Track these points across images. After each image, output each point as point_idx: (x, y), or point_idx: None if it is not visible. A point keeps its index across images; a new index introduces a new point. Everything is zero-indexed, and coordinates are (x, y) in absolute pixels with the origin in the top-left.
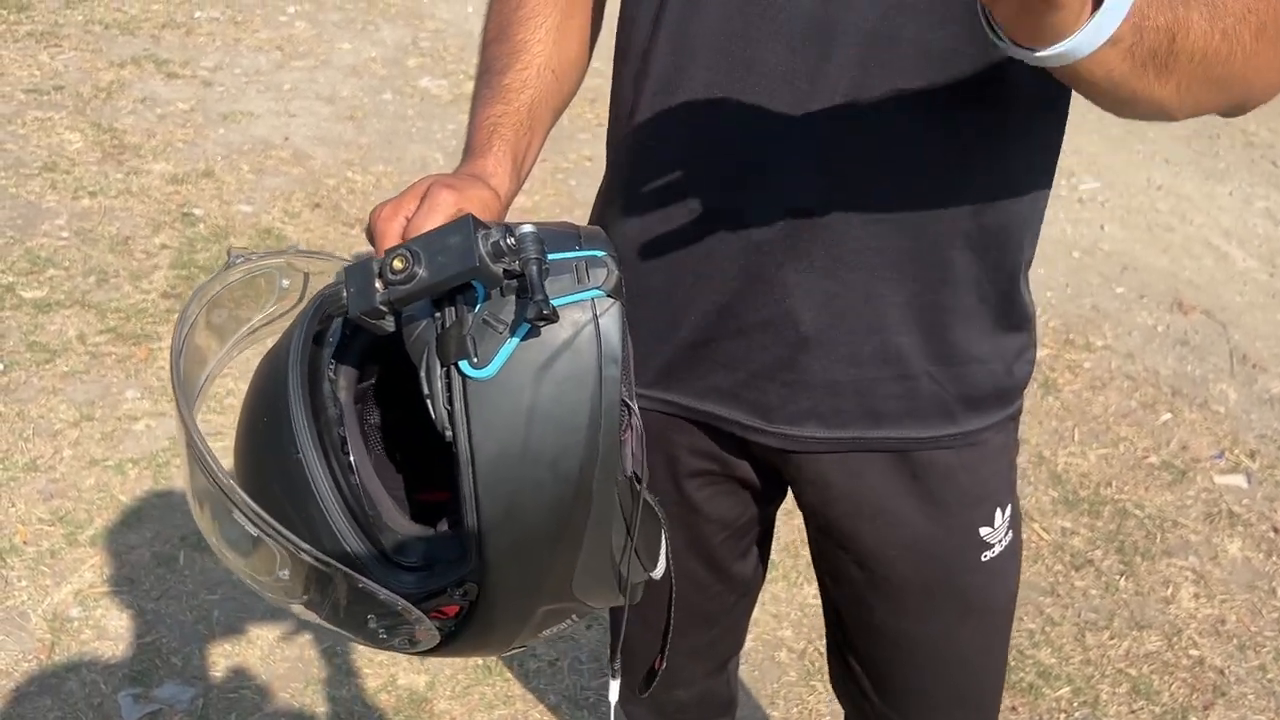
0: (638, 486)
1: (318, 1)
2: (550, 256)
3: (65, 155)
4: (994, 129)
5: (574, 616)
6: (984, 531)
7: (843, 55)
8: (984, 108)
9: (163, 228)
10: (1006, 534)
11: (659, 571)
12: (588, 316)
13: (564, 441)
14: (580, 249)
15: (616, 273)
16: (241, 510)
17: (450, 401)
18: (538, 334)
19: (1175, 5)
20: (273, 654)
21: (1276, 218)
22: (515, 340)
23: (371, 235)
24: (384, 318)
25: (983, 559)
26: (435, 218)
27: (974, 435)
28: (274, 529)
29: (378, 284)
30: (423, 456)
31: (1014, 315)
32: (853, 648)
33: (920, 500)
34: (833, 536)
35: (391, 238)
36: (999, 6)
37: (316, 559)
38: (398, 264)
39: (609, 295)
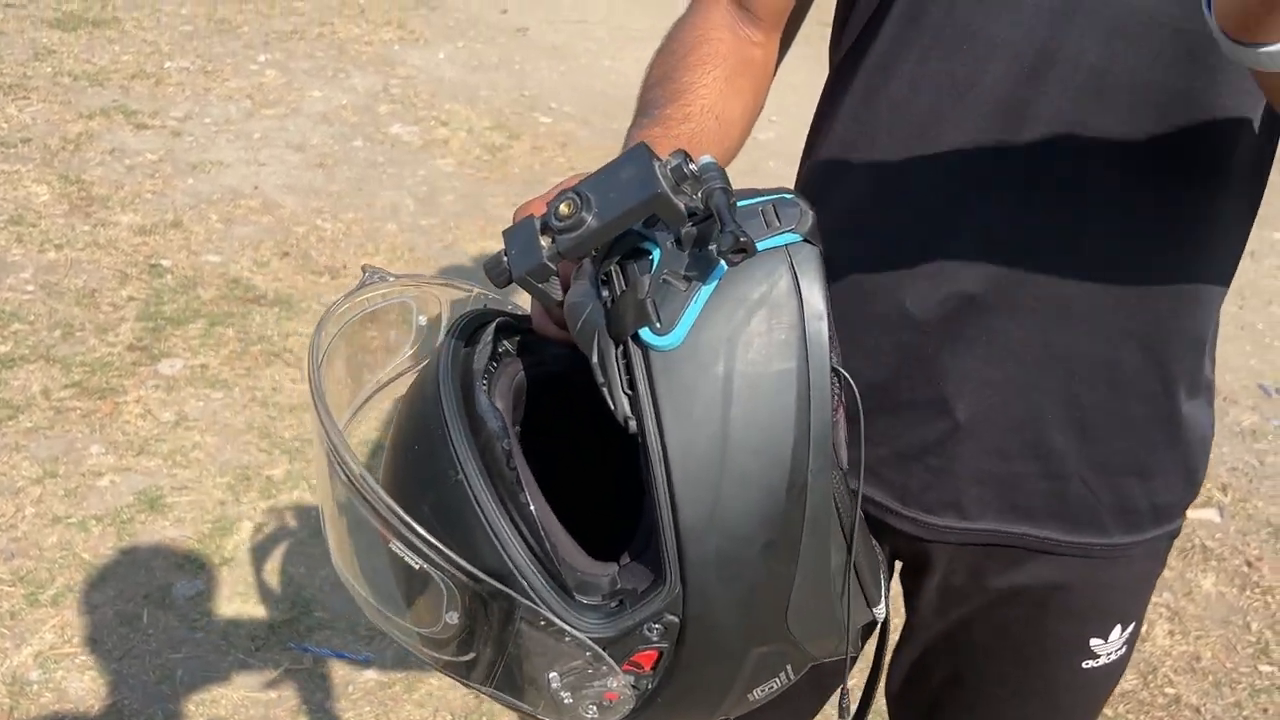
0: (853, 483)
1: (288, 50)
2: (740, 205)
3: (32, 208)
4: (1200, 205)
5: (788, 672)
6: (1094, 643)
7: (1031, 131)
8: (1194, 178)
9: (130, 280)
10: (1120, 649)
11: (881, 610)
12: (783, 265)
13: (770, 419)
14: (760, 195)
15: (811, 214)
16: (405, 533)
17: (632, 384)
18: (725, 288)
19: None
20: (237, 714)
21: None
22: (704, 294)
23: None
24: (551, 277)
25: (1083, 666)
26: None
27: (1121, 549)
28: (443, 555)
29: (542, 239)
30: (582, 498)
31: (1186, 433)
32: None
33: (1041, 602)
34: (939, 622)
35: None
36: None
37: (494, 590)
38: (564, 208)
39: (805, 240)
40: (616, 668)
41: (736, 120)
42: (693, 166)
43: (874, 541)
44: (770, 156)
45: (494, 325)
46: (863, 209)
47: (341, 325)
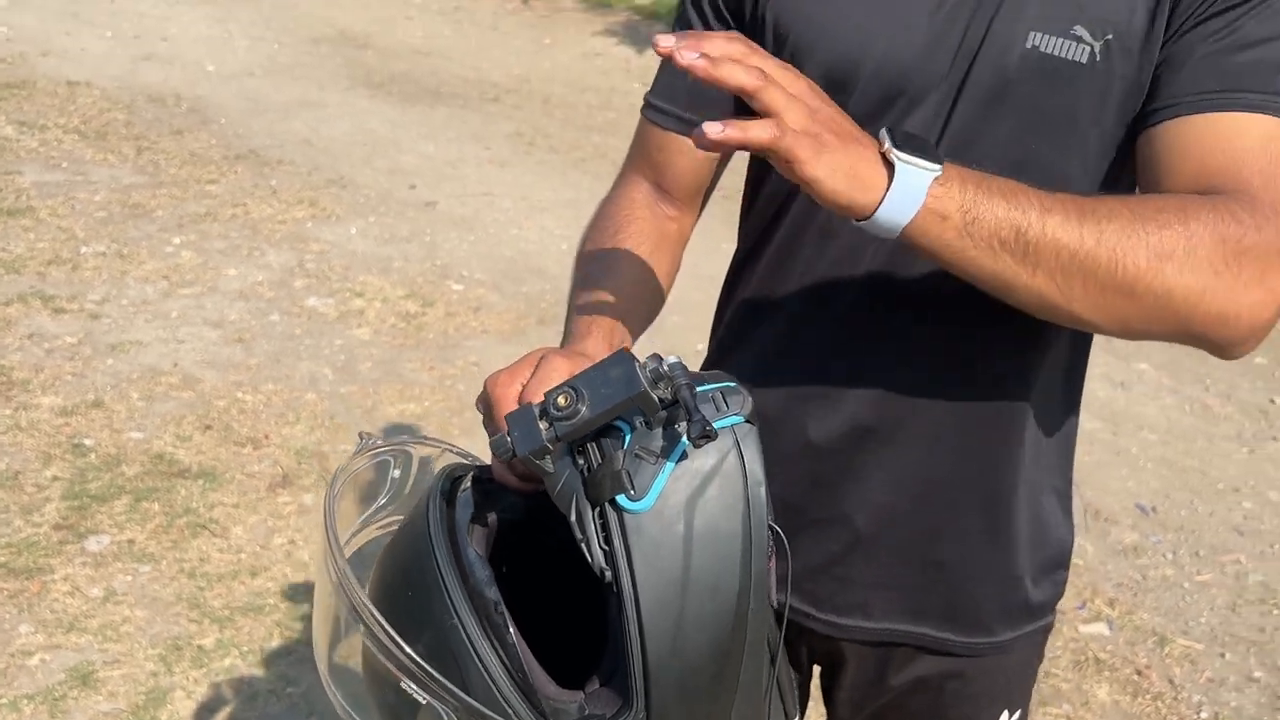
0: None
1: (202, 231)
2: (700, 390)
3: None
4: (1039, 349)
5: None
6: None
7: (905, 293)
8: (1032, 326)
9: (53, 460)
10: None
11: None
12: (730, 443)
13: (721, 567)
14: (711, 382)
15: (750, 399)
16: (414, 670)
17: (608, 540)
18: (686, 463)
19: (1024, 207)
20: None
21: (1114, 380)
22: (669, 468)
23: (487, 403)
24: (547, 456)
25: None
26: (552, 382)
27: (1005, 644)
28: (450, 692)
29: (541, 424)
30: (541, 630)
31: (1053, 539)
32: None
33: (938, 691)
34: (857, 716)
35: (509, 402)
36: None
37: (488, 718)
38: (562, 400)
39: (747, 421)
40: None
41: (660, 287)
42: (664, 367)
43: (789, 665)
44: (672, 312)
45: (469, 479)
46: (772, 358)
47: (342, 484)
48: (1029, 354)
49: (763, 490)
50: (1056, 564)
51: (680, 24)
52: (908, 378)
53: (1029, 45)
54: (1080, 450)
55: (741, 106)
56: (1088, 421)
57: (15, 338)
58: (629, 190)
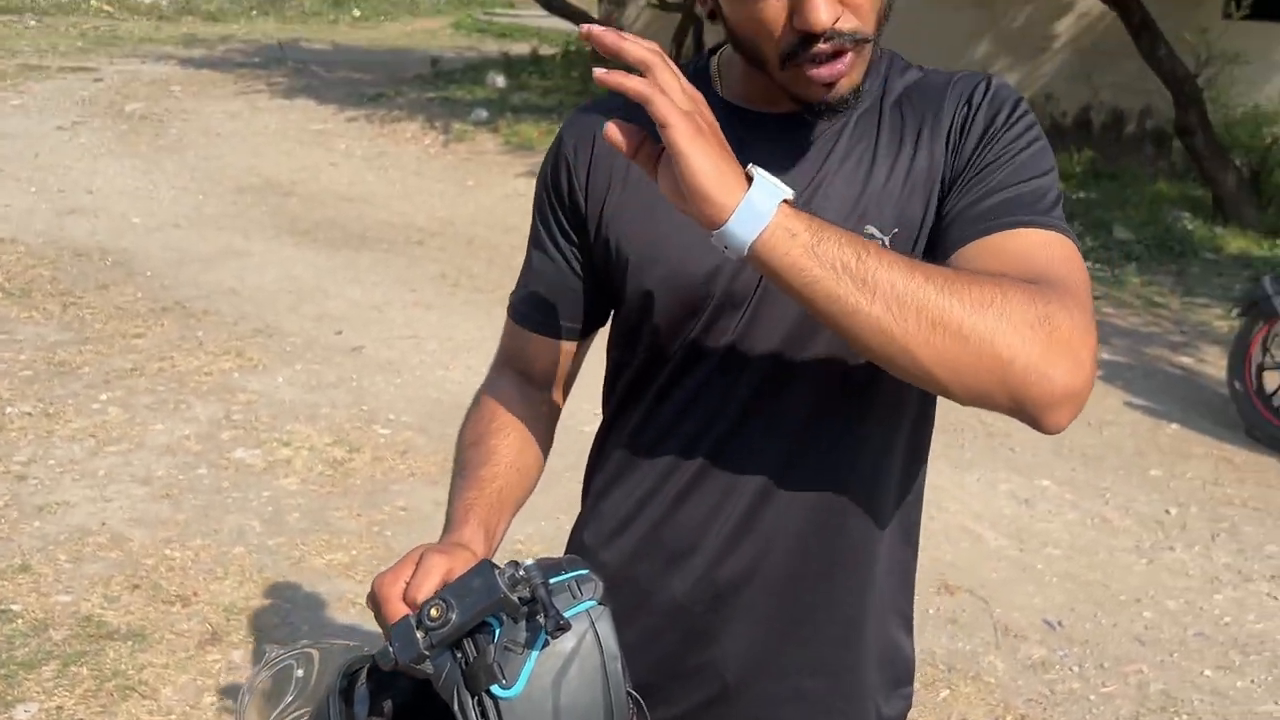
0: None
1: (129, 386)
2: (553, 582)
3: None
4: (877, 507)
5: None
6: None
7: (756, 462)
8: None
9: None
10: None
11: None
12: (586, 625)
13: None
14: (566, 571)
15: (601, 584)
16: None
17: None
18: (549, 648)
19: (864, 243)
20: None
21: (1019, 498)
22: (534, 657)
23: (376, 602)
24: (426, 661)
25: None
26: (432, 578)
27: None
28: None
29: (418, 633)
30: None
31: (900, 658)
32: None
33: None
34: None
35: (395, 601)
36: (661, 183)
37: None
38: (434, 612)
39: (599, 604)
40: None
41: (533, 466)
42: (520, 571)
43: None
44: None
45: (365, 671)
46: (633, 527)
47: (250, 700)
48: (876, 498)
49: (619, 664)
50: (904, 680)
51: (532, 238)
52: (763, 532)
53: None
54: (989, 568)
55: (592, 296)
56: (996, 540)
57: None
58: (500, 379)
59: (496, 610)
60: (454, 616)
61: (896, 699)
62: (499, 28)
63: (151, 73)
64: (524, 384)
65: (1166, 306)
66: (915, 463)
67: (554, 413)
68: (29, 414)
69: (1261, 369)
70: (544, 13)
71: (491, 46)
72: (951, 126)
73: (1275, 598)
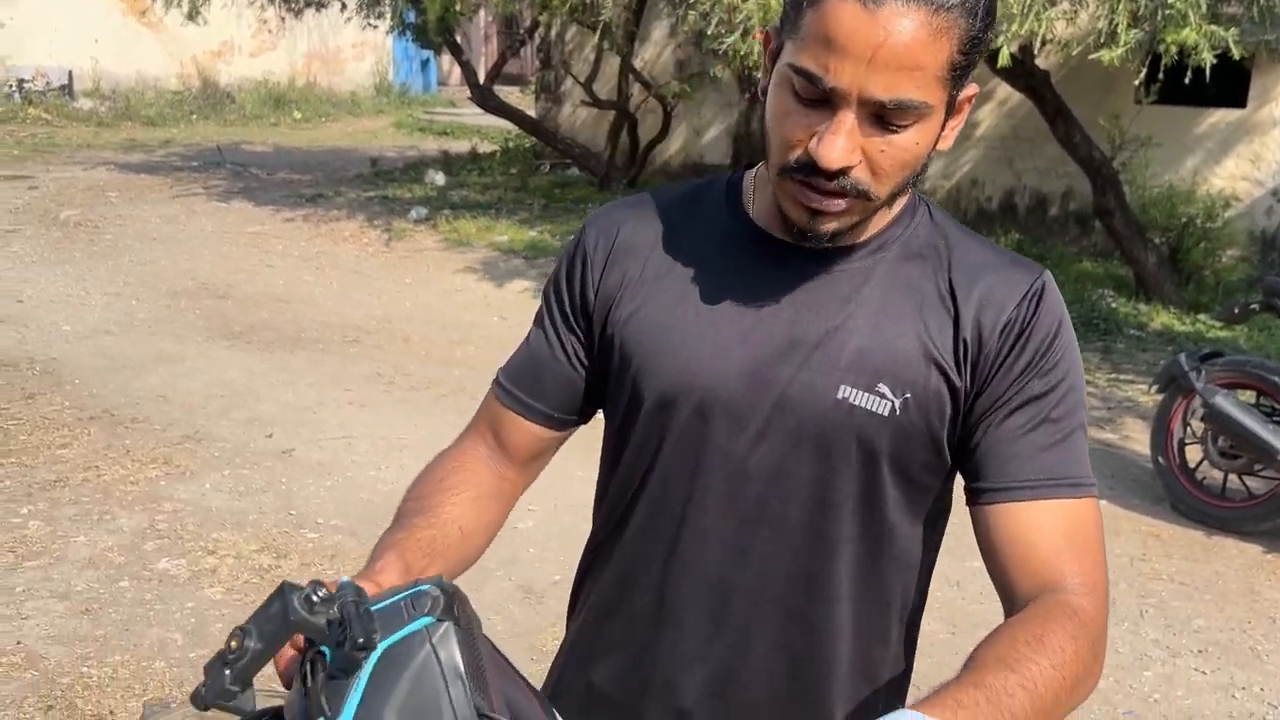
0: None
1: (52, 499)
2: (378, 605)
3: None
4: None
5: None
6: None
7: (756, 592)
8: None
9: None
10: None
11: None
12: (424, 643)
13: None
14: (402, 592)
15: (444, 597)
16: None
17: None
18: (381, 673)
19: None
20: None
21: (950, 580)
22: (360, 686)
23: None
24: (236, 697)
25: None
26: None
27: None
28: None
29: (226, 670)
30: None
31: None
32: None
33: None
34: None
35: (286, 653)
36: None
37: None
38: (233, 643)
39: (439, 620)
40: None
41: (480, 531)
42: (323, 592)
43: None
44: (529, 544)
45: None
46: (622, 657)
47: None
48: (863, 625)
49: (463, 685)
50: None
51: (536, 318)
52: (754, 665)
53: (840, 396)
54: (920, 653)
55: (581, 389)
56: (928, 624)
57: None
58: (467, 444)
59: (293, 632)
60: (250, 644)
61: None
62: (439, 126)
63: (88, 179)
64: (491, 454)
65: (1093, 383)
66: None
67: (515, 490)
68: None
69: (1183, 444)
70: (483, 111)
71: (432, 145)
72: (996, 328)
73: (1203, 672)
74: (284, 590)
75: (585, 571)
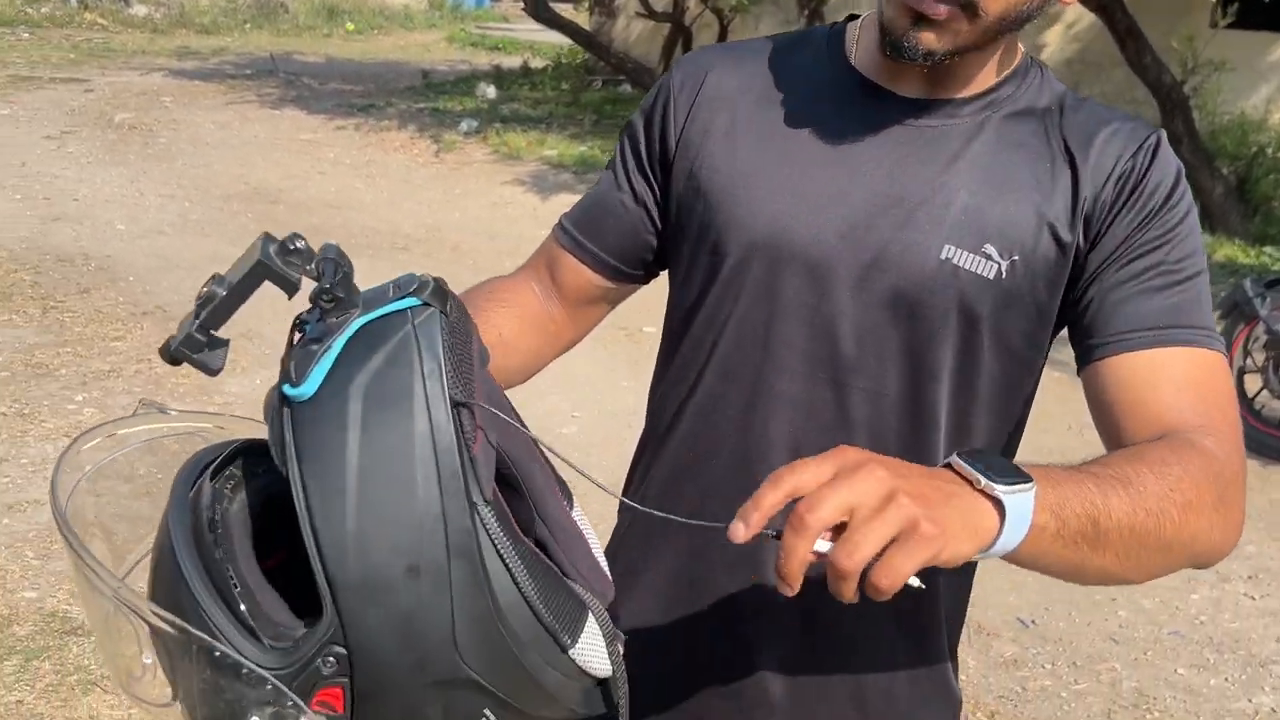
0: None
1: (105, 388)
2: (365, 290)
3: None
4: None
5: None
6: None
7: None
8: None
9: None
10: None
11: (580, 654)
12: (405, 322)
13: (394, 453)
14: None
15: (432, 283)
16: (93, 572)
17: (282, 433)
18: (353, 349)
19: (1093, 496)
20: None
21: None
22: (331, 355)
23: None
24: (203, 349)
25: None
26: None
27: None
28: (126, 596)
29: (195, 319)
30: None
31: (951, 699)
32: None
33: None
34: None
35: None
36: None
37: (166, 620)
38: (203, 289)
39: (425, 303)
40: (302, 704)
41: (520, 351)
42: (301, 243)
43: (582, 589)
44: (574, 448)
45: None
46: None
47: (109, 455)
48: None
49: (439, 367)
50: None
51: (609, 163)
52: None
53: (943, 257)
54: None
55: (648, 240)
56: None
57: None
58: (520, 277)
59: (258, 277)
60: (220, 290)
61: None
62: (492, 41)
63: (143, 84)
64: (547, 288)
65: None
66: None
67: (560, 334)
68: (3, 414)
69: (1243, 372)
70: (537, 26)
71: (484, 60)
72: (1109, 178)
73: (1252, 597)
74: (262, 236)
75: (639, 460)
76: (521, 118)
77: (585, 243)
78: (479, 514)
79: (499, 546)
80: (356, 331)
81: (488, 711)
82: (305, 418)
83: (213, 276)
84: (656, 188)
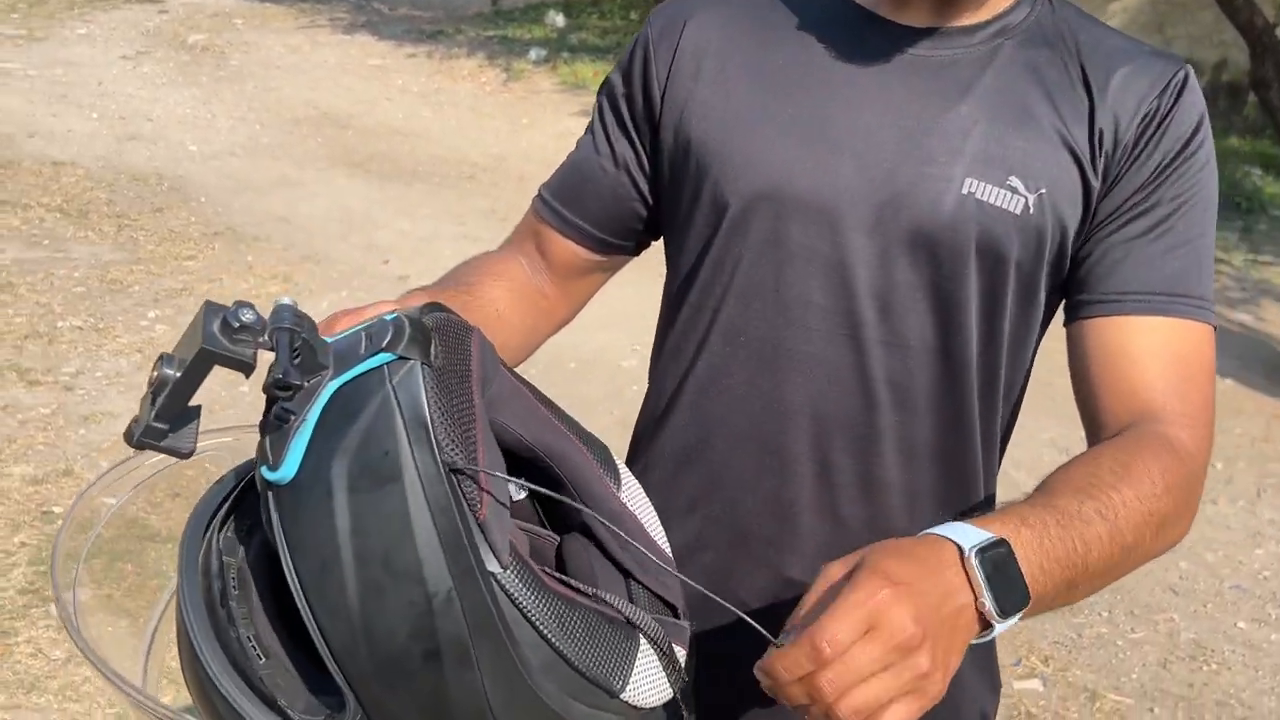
0: (535, 577)
1: (177, 305)
2: (337, 337)
3: None
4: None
5: None
6: None
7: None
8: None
9: (22, 527)
10: None
11: (638, 690)
12: (382, 384)
13: (395, 540)
14: (368, 323)
15: (410, 329)
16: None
17: (270, 519)
18: (333, 417)
19: (1074, 554)
20: None
21: (1060, 446)
22: (306, 431)
23: None
24: (166, 436)
25: None
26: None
27: None
28: (131, 689)
29: (151, 404)
30: None
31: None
32: None
33: None
34: None
35: None
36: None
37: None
38: (154, 373)
39: (401, 357)
40: None
41: (516, 328)
42: (248, 315)
43: (631, 610)
44: (633, 382)
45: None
46: (695, 510)
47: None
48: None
49: (426, 432)
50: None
51: (588, 127)
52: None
53: (965, 191)
54: None
55: (636, 206)
56: (1032, 485)
57: None
58: (508, 252)
59: (206, 364)
60: (170, 372)
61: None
62: None
63: (215, 5)
64: (531, 266)
65: (1229, 262)
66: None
67: (553, 311)
68: (79, 328)
69: None
70: None
71: None
72: (1131, 119)
73: None
74: (203, 309)
75: (635, 449)
76: (590, 47)
77: (565, 214)
78: (497, 583)
79: (525, 611)
80: (331, 399)
81: None
82: (289, 504)
83: (161, 356)
84: (642, 150)
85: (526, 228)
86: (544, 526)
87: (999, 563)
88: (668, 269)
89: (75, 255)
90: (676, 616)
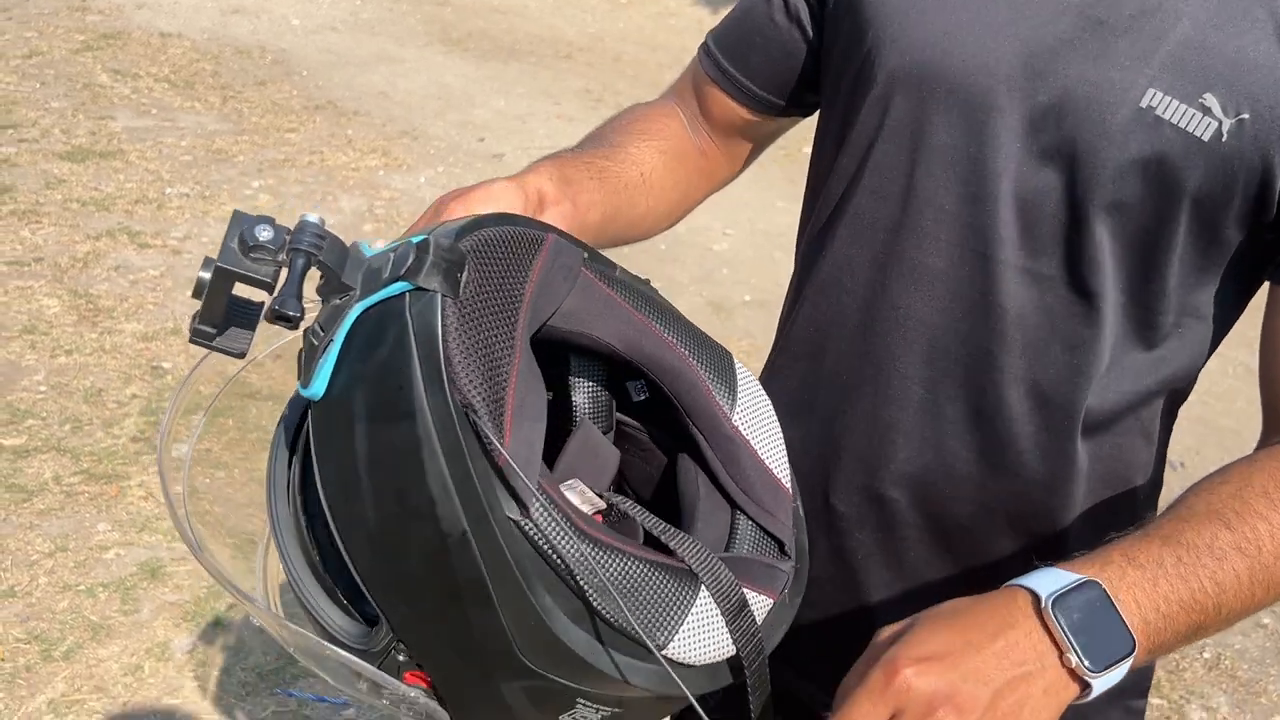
0: (553, 525)
1: (280, 176)
2: (374, 253)
3: (44, 319)
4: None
5: (593, 707)
6: None
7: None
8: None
9: (133, 380)
10: None
11: (686, 646)
12: (401, 316)
13: (404, 469)
14: (396, 243)
15: (430, 256)
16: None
17: (306, 430)
18: (359, 336)
19: (1200, 600)
20: None
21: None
22: (333, 353)
23: None
24: (214, 338)
25: None
26: (446, 215)
27: None
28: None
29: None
30: None
31: None
32: None
33: None
34: None
35: None
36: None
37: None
38: (200, 272)
39: (418, 288)
40: (392, 680)
41: (664, 189)
42: (267, 234)
43: (695, 556)
44: (724, 265)
45: None
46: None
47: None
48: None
49: (439, 367)
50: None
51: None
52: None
53: (1145, 104)
54: None
55: (805, 65)
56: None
57: (103, 269)
58: (666, 105)
59: (226, 281)
60: (205, 277)
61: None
62: None
63: None
64: (694, 116)
65: None
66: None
67: (714, 170)
68: (186, 195)
69: None
70: None
71: None
72: None
73: None
74: (234, 218)
75: (784, 319)
76: None
77: (728, 67)
78: (519, 529)
79: (550, 559)
80: (356, 321)
81: (581, 701)
82: (320, 420)
83: (205, 260)
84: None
85: (689, 77)
86: (649, 440)
87: (1089, 610)
88: (814, 143)
89: (182, 124)
90: (783, 555)
